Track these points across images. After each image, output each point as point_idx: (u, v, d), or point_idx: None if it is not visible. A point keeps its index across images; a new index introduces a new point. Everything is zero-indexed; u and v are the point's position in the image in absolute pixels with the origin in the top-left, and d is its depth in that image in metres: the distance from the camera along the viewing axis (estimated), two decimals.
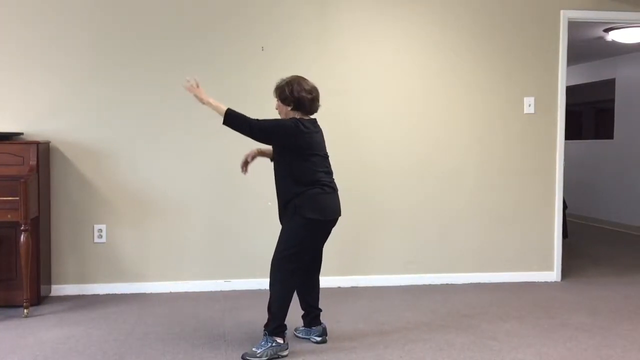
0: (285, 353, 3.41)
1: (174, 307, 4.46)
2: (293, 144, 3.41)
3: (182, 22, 4.89)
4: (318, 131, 3.54)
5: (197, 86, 3.48)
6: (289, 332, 3.58)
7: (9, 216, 4.13)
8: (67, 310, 4.37)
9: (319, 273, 3.74)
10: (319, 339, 3.64)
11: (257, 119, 3.41)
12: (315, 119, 3.56)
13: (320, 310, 3.71)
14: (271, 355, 3.36)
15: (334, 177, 3.59)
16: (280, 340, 3.41)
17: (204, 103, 3.44)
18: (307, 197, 3.41)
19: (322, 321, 3.71)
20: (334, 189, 3.54)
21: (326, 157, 3.57)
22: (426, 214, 5.20)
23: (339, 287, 5.04)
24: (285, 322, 3.46)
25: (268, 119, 3.47)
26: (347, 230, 5.09)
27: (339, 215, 3.56)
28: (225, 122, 3.39)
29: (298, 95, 3.44)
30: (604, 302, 4.62)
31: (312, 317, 3.69)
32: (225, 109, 3.39)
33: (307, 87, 3.46)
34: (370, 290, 4.97)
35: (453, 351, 3.53)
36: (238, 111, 3.41)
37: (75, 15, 4.77)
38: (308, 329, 3.70)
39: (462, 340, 3.73)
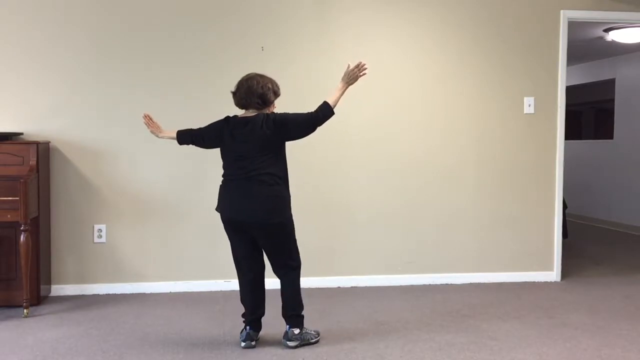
0: (242, 344, 3.61)
1: (174, 307, 4.46)
2: (218, 142, 3.58)
3: (182, 22, 4.89)
4: (233, 140, 3.45)
5: (151, 119, 3.81)
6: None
7: (9, 216, 4.13)
8: (67, 310, 4.37)
9: (279, 276, 3.63)
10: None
11: (199, 128, 3.67)
12: (246, 118, 3.49)
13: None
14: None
15: (258, 181, 3.43)
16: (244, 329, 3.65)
17: (158, 137, 3.80)
18: None
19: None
20: (238, 190, 3.44)
21: (244, 159, 3.43)
22: (426, 214, 5.20)
23: (339, 287, 5.04)
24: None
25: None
26: (347, 230, 5.10)
27: (231, 215, 3.47)
28: (180, 143, 3.75)
29: None
30: (604, 302, 4.62)
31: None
32: (174, 133, 3.74)
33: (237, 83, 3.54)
34: (370, 290, 4.97)
35: (453, 351, 3.53)
36: (185, 129, 3.75)
37: (75, 15, 4.77)
38: None
39: (462, 340, 3.73)
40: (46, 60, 4.76)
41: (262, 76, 3.52)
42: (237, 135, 3.46)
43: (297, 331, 3.60)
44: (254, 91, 3.45)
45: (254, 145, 3.43)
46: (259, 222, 3.46)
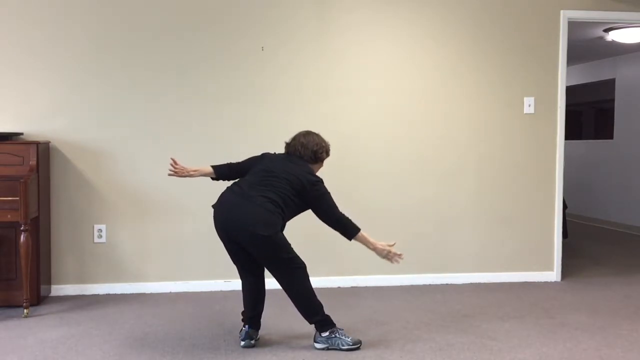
0: (242, 343, 3.60)
1: (174, 307, 4.46)
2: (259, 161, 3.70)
3: (182, 22, 4.89)
4: (273, 159, 3.66)
5: (176, 163, 3.77)
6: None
7: (9, 216, 4.13)
8: (67, 310, 4.37)
9: (285, 288, 3.55)
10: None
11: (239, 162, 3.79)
12: (284, 153, 3.72)
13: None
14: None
15: (272, 200, 3.43)
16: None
17: (191, 176, 3.83)
18: None
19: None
20: (238, 198, 3.47)
21: (270, 172, 3.53)
22: (426, 214, 5.20)
23: (339, 287, 5.04)
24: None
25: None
26: None
27: (217, 212, 3.55)
28: (216, 178, 3.82)
29: None
30: (604, 302, 4.62)
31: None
32: (211, 168, 3.81)
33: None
34: (370, 290, 4.97)
35: (453, 351, 3.53)
36: (220, 163, 3.84)
37: (75, 15, 4.77)
38: None
39: (462, 340, 3.73)
40: (46, 60, 4.76)
41: (318, 135, 3.74)
42: (283, 157, 3.68)
43: (325, 334, 3.52)
44: (309, 147, 3.67)
45: (287, 171, 3.54)
46: (241, 230, 3.41)
